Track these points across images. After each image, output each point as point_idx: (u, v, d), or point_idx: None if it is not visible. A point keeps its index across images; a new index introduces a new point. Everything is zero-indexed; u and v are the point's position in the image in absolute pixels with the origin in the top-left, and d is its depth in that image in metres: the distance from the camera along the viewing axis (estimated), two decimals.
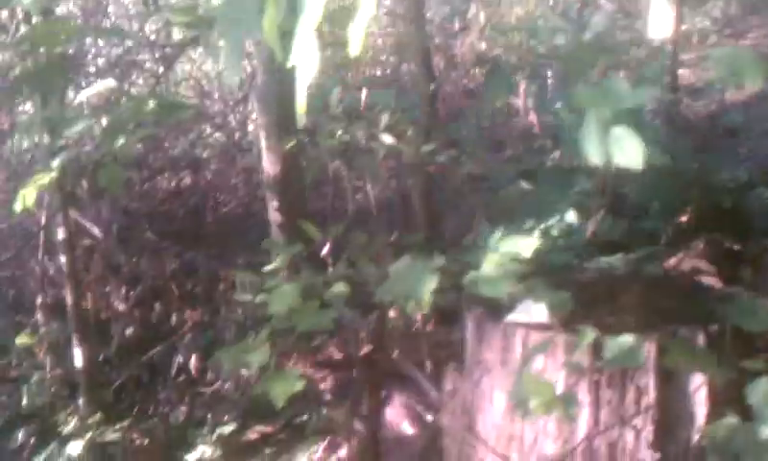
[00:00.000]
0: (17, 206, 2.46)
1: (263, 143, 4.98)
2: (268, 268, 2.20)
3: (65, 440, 3.87)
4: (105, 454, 4.02)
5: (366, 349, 2.50)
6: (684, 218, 4.60)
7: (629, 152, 1.39)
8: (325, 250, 4.66)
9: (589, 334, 1.52)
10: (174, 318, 5.02)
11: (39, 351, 4.36)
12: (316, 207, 5.97)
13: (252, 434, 4.23)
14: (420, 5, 3.73)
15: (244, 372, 4.95)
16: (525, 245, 1.82)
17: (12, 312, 5.08)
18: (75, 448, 3.81)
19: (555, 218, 4.95)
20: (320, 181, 6.34)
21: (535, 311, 1.70)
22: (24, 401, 4.24)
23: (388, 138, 3.40)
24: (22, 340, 4.21)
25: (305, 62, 1.04)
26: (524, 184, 6.05)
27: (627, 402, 1.62)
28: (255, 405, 4.57)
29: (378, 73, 7.21)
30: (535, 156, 6.20)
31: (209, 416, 4.53)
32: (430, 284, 1.77)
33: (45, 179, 2.42)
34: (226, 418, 4.41)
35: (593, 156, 1.45)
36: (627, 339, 1.49)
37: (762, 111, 5.92)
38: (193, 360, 4.76)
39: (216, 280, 5.63)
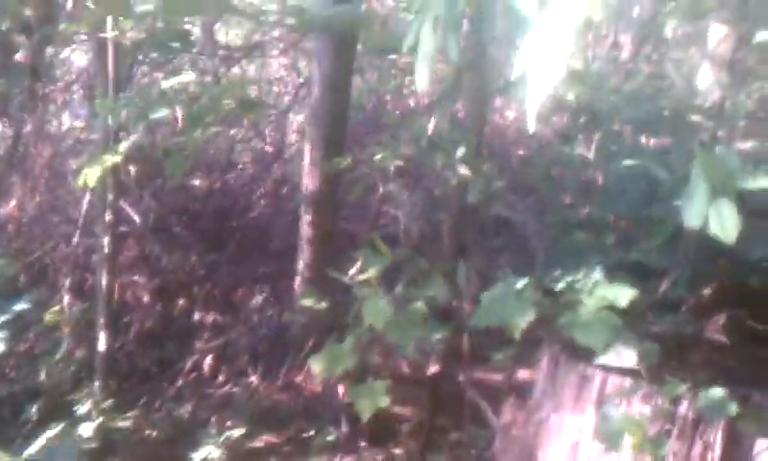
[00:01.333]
0: (78, 182, 2.52)
1: (307, 157, 5.06)
2: (361, 277, 2.25)
3: (78, 420, 3.93)
4: (112, 440, 4.08)
5: (434, 368, 2.55)
6: (707, 291, 4.64)
7: (727, 225, 1.46)
8: (353, 270, 4.75)
9: (679, 385, 1.60)
10: (196, 316, 5.07)
11: (64, 330, 4.43)
12: (344, 228, 6.04)
13: (259, 442, 4.27)
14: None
15: (253, 379, 5.03)
16: (623, 294, 1.89)
17: (36, 289, 5.15)
18: (86, 429, 3.87)
19: (581, 272, 5.00)
20: (350, 203, 6.42)
21: (625, 357, 1.78)
22: (42, 377, 4.31)
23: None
24: (50, 317, 4.28)
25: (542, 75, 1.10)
26: (553, 233, 6.11)
27: (693, 455, 1.70)
28: (265, 413, 4.64)
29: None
30: (565, 208, 6.26)
31: (213, 418, 4.59)
32: (528, 315, 1.85)
33: (110, 160, 2.49)
34: (229, 423, 4.47)
35: (692, 218, 1.51)
36: (718, 392, 1.58)
37: None
38: (208, 360, 4.81)
39: (236, 285, 5.71)
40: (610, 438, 1.58)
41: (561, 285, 4.76)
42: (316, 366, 2.38)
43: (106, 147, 3.78)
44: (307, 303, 3.62)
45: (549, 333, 1.97)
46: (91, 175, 2.54)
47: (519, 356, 3.61)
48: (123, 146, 2.69)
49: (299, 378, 4.94)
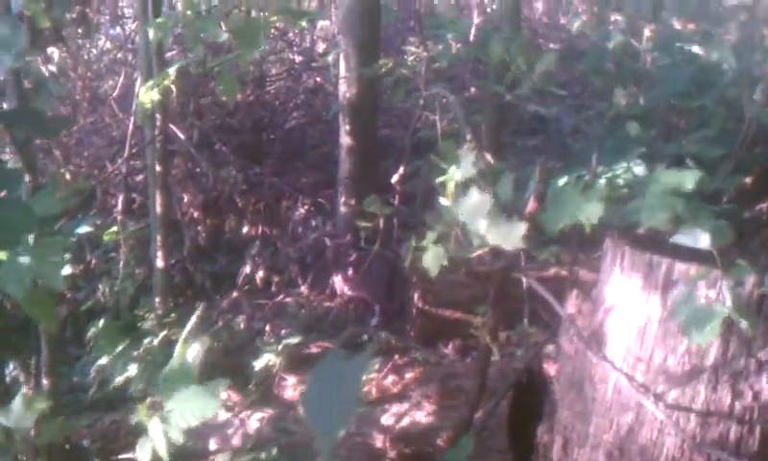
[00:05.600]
0: (139, 107, 2.56)
1: (342, 64, 5.05)
2: (439, 180, 2.28)
3: (142, 335, 4.07)
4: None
5: (501, 264, 2.61)
6: (748, 179, 4.64)
7: None
8: (397, 177, 4.79)
9: (747, 267, 1.64)
10: (244, 230, 5.17)
11: (121, 250, 4.54)
12: (381, 135, 6.06)
13: (314, 348, 4.39)
14: None
15: (303, 289, 5.15)
16: (689, 177, 1.91)
17: (87, 213, 5.26)
18: (150, 343, 4.00)
19: (621, 167, 5.01)
20: (387, 109, 6.42)
21: (699, 237, 1.78)
22: (104, 296, 4.44)
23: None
24: (108, 237, 4.38)
25: None
26: (587, 129, 6.08)
27: (756, 336, 1.75)
28: (317, 321, 4.77)
29: None
30: (595, 101, 6.22)
31: (267, 327, 4.73)
32: (597, 210, 1.89)
33: (165, 80, 2.52)
34: (283, 331, 4.60)
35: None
36: None
37: None
38: (260, 272, 4.92)
39: (279, 197, 5.78)
40: (687, 323, 1.64)
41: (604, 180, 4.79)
42: (406, 256, 2.44)
43: (149, 69, 3.82)
44: (371, 208, 3.67)
45: (612, 226, 2.00)
46: (147, 96, 2.58)
47: (571, 254, 3.68)
48: (173, 68, 2.70)
49: (346, 287, 5.05)
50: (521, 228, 2.09)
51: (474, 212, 2.10)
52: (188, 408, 1.98)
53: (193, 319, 2.36)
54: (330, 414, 1.88)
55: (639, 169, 4.79)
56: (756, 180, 4.66)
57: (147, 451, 1.95)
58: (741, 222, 2.45)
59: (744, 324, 1.62)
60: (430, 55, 5.07)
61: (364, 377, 2.18)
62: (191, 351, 2.04)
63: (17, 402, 2.06)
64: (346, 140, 5.20)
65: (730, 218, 2.54)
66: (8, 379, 3.51)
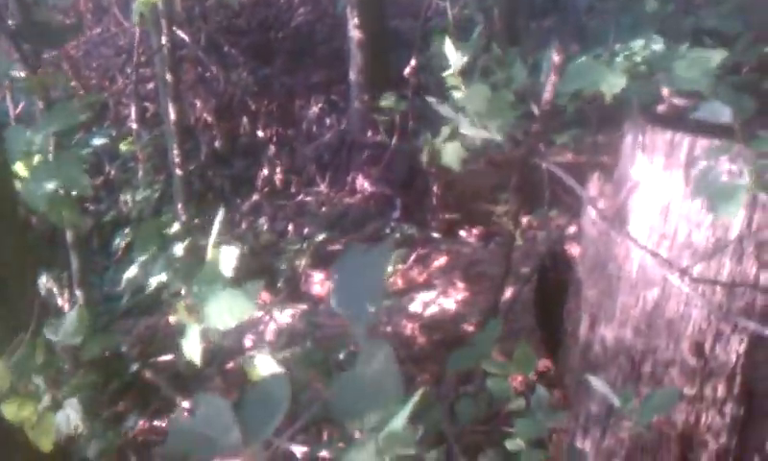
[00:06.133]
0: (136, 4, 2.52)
1: None
2: (447, 73, 2.26)
3: (168, 243, 4.13)
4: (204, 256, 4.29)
5: (521, 151, 2.62)
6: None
7: None
8: (409, 69, 4.75)
9: None
10: (259, 131, 5.17)
11: (138, 159, 4.57)
12: (390, 26, 5.96)
13: (338, 244, 4.46)
14: None
15: (322, 187, 5.19)
16: (715, 54, 1.90)
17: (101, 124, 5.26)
18: (178, 249, 4.07)
19: (638, 43, 4.93)
20: (395, 1, 6.30)
21: (720, 111, 1.79)
22: (126, 206, 4.49)
23: None
24: (125, 147, 4.40)
25: None
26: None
27: None
28: (338, 218, 4.82)
29: None
30: None
31: (290, 226, 4.79)
32: (620, 81, 1.88)
33: None
34: (306, 230, 4.66)
35: None
36: None
37: None
38: (278, 173, 4.95)
39: (291, 96, 5.75)
40: (711, 198, 1.65)
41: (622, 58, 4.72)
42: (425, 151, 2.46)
43: None
44: (387, 104, 3.65)
45: (632, 105, 1.99)
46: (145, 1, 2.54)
47: (590, 136, 3.68)
48: None
49: (366, 183, 5.08)
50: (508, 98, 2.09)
51: (478, 102, 2.10)
52: (225, 310, 2.03)
53: (216, 223, 2.40)
54: (359, 301, 1.95)
55: (657, 46, 4.72)
56: None
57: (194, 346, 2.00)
58: (762, 93, 2.44)
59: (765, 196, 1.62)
60: None
61: (388, 267, 2.23)
62: (225, 255, 2.08)
63: (70, 318, 2.11)
64: (355, 34, 5.13)
65: (750, 90, 2.54)
66: (42, 293, 3.60)
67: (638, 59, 4.65)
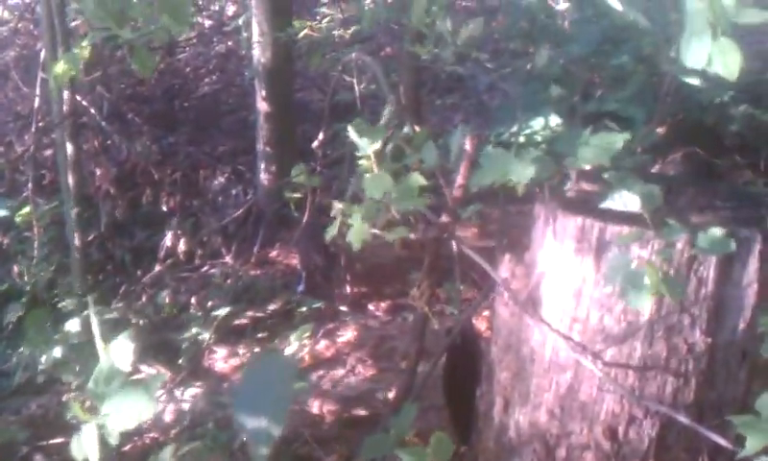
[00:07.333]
0: (51, 82, 2.44)
1: (255, 28, 4.95)
2: (361, 153, 2.24)
3: (63, 317, 3.94)
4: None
5: (433, 233, 2.61)
6: (661, 130, 4.80)
7: (730, 63, 1.48)
8: (317, 143, 4.75)
9: (679, 228, 1.68)
10: (162, 202, 5.05)
11: (35, 231, 4.37)
12: (298, 99, 5.98)
13: (243, 319, 4.35)
14: None
15: (227, 259, 5.08)
16: (617, 138, 1.95)
17: None
18: (73, 325, 3.88)
19: (537, 122, 5.08)
20: (302, 72, 6.33)
21: (629, 201, 1.84)
22: (20, 278, 4.28)
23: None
24: (22, 218, 4.21)
25: None
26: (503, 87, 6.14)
27: (688, 292, 1.82)
28: (244, 291, 4.71)
29: None
30: (509, 60, 6.29)
31: (193, 299, 4.65)
32: (529, 172, 1.89)
33: (80, 54, 2.40)
34: (210, 303, 4.53)
35: (693, 59, 1.51)
36: (717, 231, 1.68)
37: None
38: (181, 245, 4.83)
39: (197, 166, 5.67)
40: (625, 283, 1.68)
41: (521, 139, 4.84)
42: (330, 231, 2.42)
43: (53, 41, 3.66)
44: (299, 179, 3.61)
45: (544, 189, 2.02)
46: (61, 71, 2.45)
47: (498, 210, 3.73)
48: (86, 40, 2.58)
49: (273, 254, 5.01)
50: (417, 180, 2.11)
51: (382, 189, 2.10)
52: (124, 409, 1.93)
53: (94, 323, 2.28)
54: (262, 417, 1.88)
55: (555, 124, 4.86)
56: (668, 131, 4.83)
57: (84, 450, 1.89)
58: (667, 179, 2.53)
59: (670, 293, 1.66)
60: (345, 17, 5.02)
61: (295, 381, 2.18)
62: (119, 350, 1.98)
63: None
64: (262, 106, 5.12)
65: (642, 171, 2.63)
66: None
67: (539, 138, 4.79)
